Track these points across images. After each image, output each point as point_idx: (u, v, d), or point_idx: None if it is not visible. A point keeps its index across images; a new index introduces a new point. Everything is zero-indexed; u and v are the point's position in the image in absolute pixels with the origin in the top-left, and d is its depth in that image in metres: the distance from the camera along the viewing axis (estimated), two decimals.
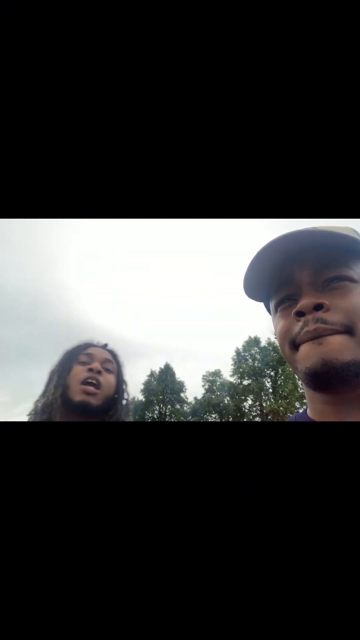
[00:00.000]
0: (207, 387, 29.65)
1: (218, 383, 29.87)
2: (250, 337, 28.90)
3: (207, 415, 28.03)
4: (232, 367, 28.52)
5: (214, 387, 29.58)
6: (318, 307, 0.49)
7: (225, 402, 28.02)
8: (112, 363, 1.00)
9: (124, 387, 1.03)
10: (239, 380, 27.82)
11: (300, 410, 0.65)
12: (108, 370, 0.97)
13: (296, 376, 0.57)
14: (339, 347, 0.47)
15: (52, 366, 1.00)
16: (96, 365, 0.93)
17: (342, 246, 0.52)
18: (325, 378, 0.47)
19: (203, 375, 30.30)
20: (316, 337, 0.48)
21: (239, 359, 28.51)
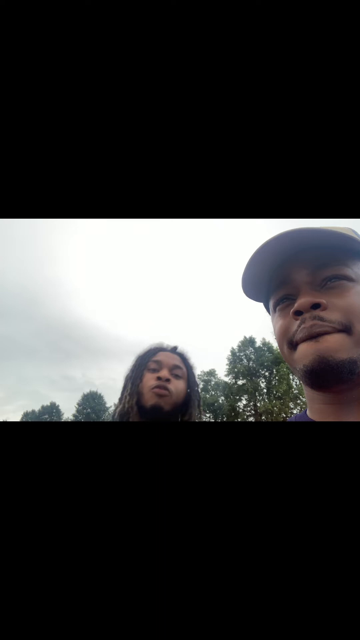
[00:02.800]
0: (201, 386, 29.63)
1: (212, 382, 29.91)
2: (245, 337, 28.98)
3: (201, 415, 27.98)
4: (227, 366, 28.58)
5: (209, 387, 29.62)
6: (316, 306, 0.49)
7: (220, 401, 28.06)
8: (181, 368, 1.00)
9: (195, 389, 1.04)
10: (233, 380, 27.88)
11: (295, 412, 0.66)
12: (177, 377, 0.97)
13: (294, 377, 0.58)
14: (335, 346, 0.47)
15: (126, 372, 1.04)
16: (164, 373, 0.95)
17: (339, 245, 0.52)
18: (321, 375, 0.47)
19: (198, 375, 30.22)
20: (313, 334, 0.48)
21: (234, 359, 28.56)
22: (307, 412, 0.59)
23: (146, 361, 1.00)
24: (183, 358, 1.05)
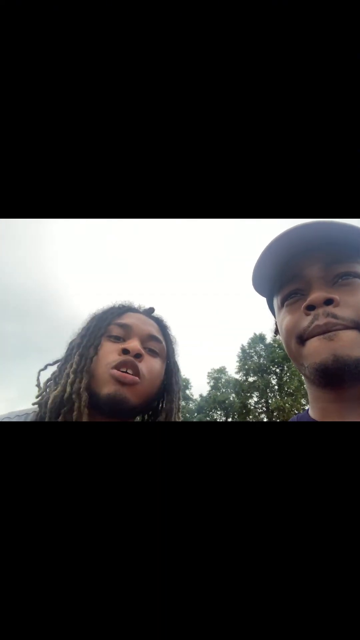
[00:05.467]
0: (212, 384, 29.63)
1: (223, 380, 29.81)
2: (255, 334, 28.77)
3: (213, 412, 28.03)
4: (237, 364, 28.46)
5: (219, 384, 29.54)
6: (329, 301, 0.49)
7: (231, 399, 27.98)
8: (160, 341, 0.65)
9: (177, 375, 0.69)
10: (244, 377, 27.73)
11: (307, 408, 0.64)
12: (152, 352, 0.63)
13: (301, 374, 0.57)
14: (350, 344, 0.46)
15: (73, 336, 0.66)
16: (134, 344, 0.59)
17: (352, 242, 0.52)
18: (336, 374, 0.46)
19: (208, 372, 30.29)
20: (326, 331, 0.47)
21: (244, 355, 28.40)
22: (309, 411, 0.59)
23: (107, 323, 0.63)
24: (162, 326, 0.70)
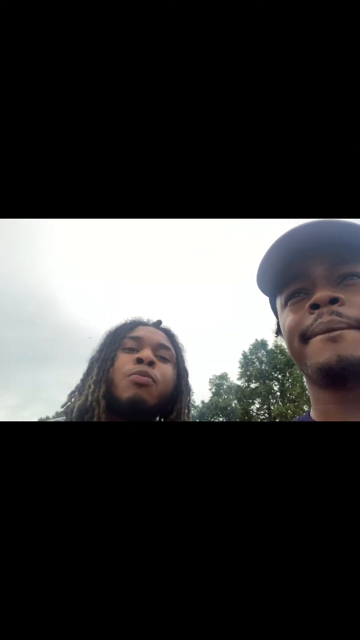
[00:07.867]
0: (214, 390, 29.47)
1: (225, 386, 29.65)
2: (257, 339, 28.69)
3: (215, 419, 27.80)
4: (239, 370, 28.32)
5: (221, 391, 29.37)
6: (334, 300, 0.49)
7: (233, 405, 27.79)
8: (169, 348, 0.76)
9: (187, 379, 0.80)
10: (246, 384, 27.58)
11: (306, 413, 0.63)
12: (164, 359, 0.73)
13: (303, 374, 0.56)
14: (354, 344, 0.46)
15: (92, 352, 0.77)
16: (147, 353, 0.69)
17: (357, 242, 0.52)
18: (340, 374, 0.46)
19: (210, 379, 30.15)
20: (330, 329, 0.47)
21: (246, 362, 28.28)
22: (311, 413, 0.58)
23: (120, 337, 0.74)
24: (170, 335, 0.80)
